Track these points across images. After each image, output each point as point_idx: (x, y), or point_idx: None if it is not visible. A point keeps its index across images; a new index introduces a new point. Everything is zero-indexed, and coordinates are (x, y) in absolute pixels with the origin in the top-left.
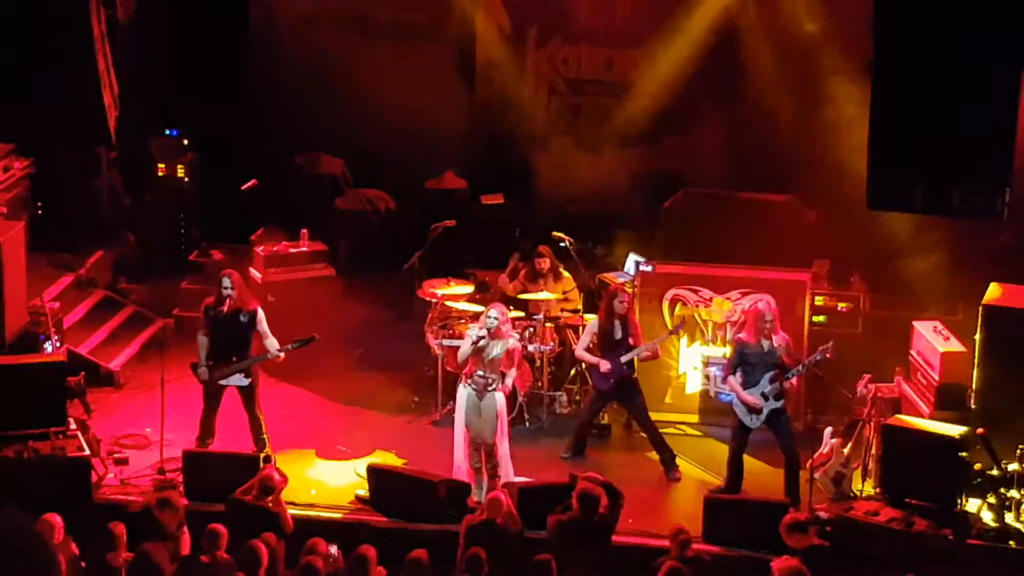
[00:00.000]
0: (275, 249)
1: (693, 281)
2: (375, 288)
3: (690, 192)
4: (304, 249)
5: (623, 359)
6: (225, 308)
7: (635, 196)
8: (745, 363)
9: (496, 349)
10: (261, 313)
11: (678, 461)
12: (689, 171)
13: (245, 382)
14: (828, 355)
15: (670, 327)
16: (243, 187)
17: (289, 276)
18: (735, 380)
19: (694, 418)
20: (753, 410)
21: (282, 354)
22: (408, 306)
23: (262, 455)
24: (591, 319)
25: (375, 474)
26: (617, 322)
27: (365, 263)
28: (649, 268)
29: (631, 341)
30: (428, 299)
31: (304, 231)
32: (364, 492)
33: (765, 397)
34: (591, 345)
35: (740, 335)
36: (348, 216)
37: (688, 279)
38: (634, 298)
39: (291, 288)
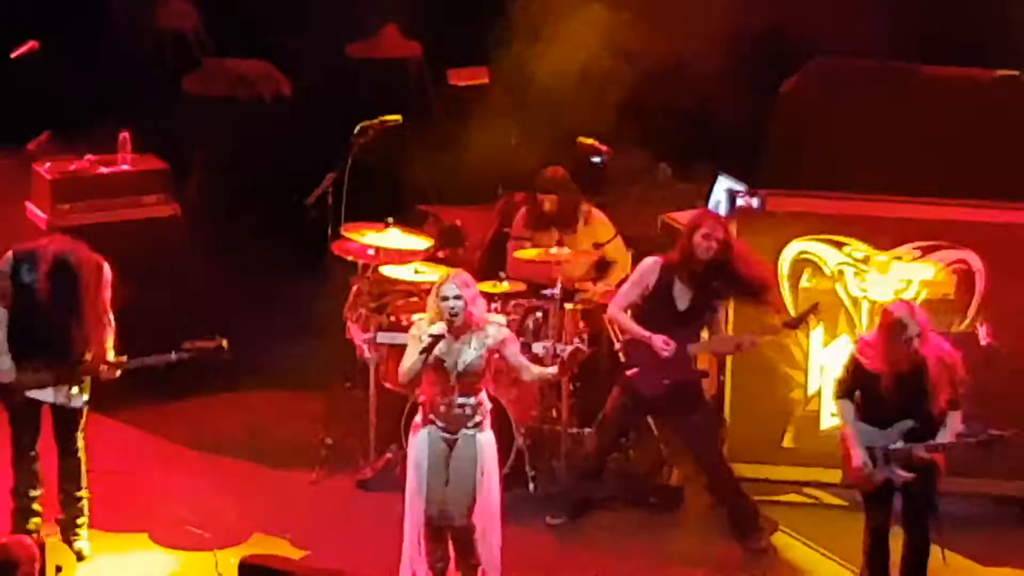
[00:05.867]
0: (72, 168)
1: (835, 226)
2: (252, 238)
3: (826, 64)
4: (125, 168)
5: (692, 349)
6: (46, 255)
7: (727, 73)
8: (864, 389)
9: (470, 350)
10: (107, 270)
11: (788, 535)
12: (824, 29)
13: (77, 402)
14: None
15: (792, 311)
16: (14, 53)
17: (99, 216)
18: (849, 408)
19: (837, 475)
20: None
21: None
22: (314, 271)
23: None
24: (648, 263)
25: None
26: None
27: (235, 192)
28: (754, 202)
29: (703, 323)
30: (350, 259)
31: (124, 135)
32: None
33: (887, 459)
34: (636, 310)
35: (863, 340)
36: (203, 107)
37: (826, 223)
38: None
39: (104, 238)
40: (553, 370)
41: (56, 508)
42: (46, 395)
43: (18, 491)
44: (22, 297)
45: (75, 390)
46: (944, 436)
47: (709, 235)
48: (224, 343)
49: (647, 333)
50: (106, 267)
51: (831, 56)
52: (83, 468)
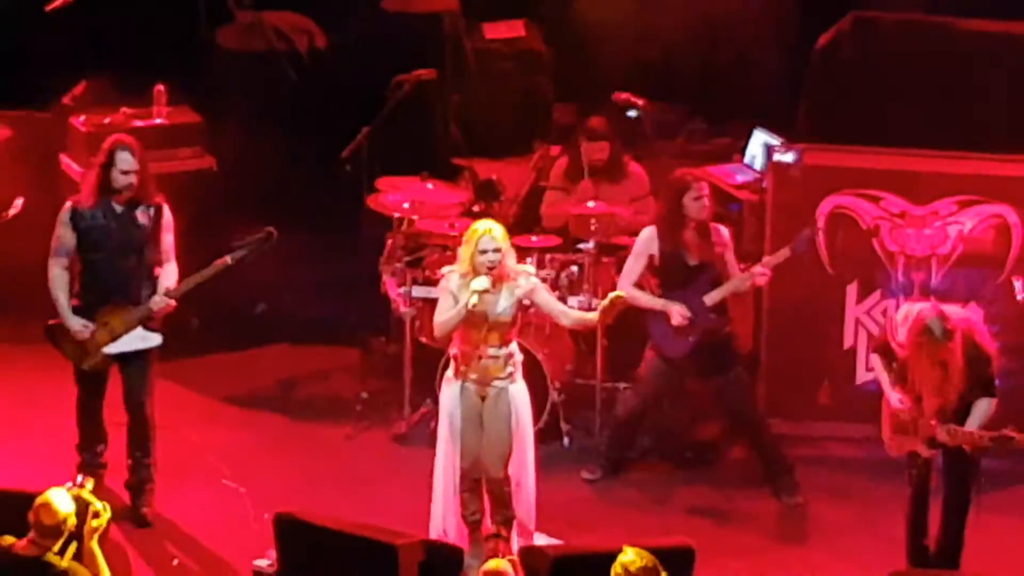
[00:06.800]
0: (107, 121)
1: (872, 180)
2: (289, 191)
3: (863, 18)
4: (160, 121)
5: (708, 299)
6: (119, 199)
7: (764, 26)
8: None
9: (502, 301)
10: (168, 213)
11: (824, 490)
12: None
13: (151, 340)
14: None
15: (828, 267)
16: (49, 6)
17: None
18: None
19: (872, 430)
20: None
21: (231, 258)
22: (349, 225)
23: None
24: (644, 234)
25: (288, 531)
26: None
27: (270, 146)
28: (790, 156)
29: (718, 271)
30: (386, 213)
31: (160, 88)
32: (268, 564)
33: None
34: (646, 279)
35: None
36: (238, 61)
37: (863, 177)
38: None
39: None
40: (593, 315)
41: (124, 473)
42: (120, 346)
43: (84, 447)
44: (83, 246)
45: (142, 330)
46: (970, 423)
47: (700, 196)
48: (272, 230)
49: (661, 303)
50: (166, 210)
51: (868, 9)
52: (152, 435)
